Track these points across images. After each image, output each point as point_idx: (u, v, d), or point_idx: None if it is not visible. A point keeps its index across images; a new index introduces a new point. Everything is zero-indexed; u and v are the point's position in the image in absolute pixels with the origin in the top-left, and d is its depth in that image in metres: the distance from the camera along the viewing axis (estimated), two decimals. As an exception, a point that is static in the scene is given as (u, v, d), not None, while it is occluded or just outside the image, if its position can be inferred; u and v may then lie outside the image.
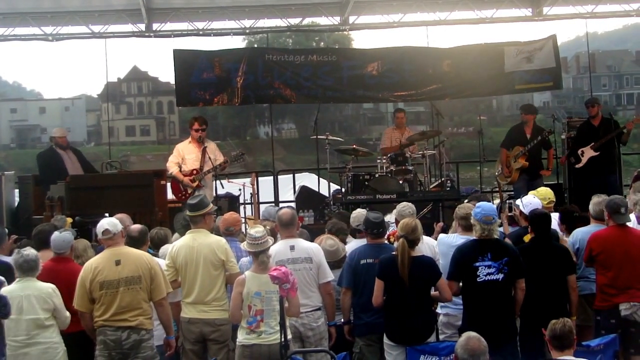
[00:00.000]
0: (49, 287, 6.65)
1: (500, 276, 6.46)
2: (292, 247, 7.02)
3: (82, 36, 14.33)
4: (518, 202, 7.90)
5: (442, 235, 7.59)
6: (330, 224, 8.44)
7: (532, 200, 7.88)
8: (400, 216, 7.60)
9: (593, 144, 11.73)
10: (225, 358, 7.03)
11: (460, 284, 6.69)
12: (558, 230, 7.88)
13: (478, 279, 6.47)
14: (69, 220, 8.75)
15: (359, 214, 8.00)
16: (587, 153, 11.78)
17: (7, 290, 6.67)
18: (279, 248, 7.01)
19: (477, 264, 6.48)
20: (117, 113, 79.39)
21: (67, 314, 6.67)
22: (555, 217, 8.12)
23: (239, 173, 14.47)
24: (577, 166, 11.92)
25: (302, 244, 7.13)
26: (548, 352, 5.67)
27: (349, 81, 13.70)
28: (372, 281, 6.75)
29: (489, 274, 6.46)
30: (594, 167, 11.72)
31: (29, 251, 6.67)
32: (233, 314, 6.55)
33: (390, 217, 8.27)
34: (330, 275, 7.07)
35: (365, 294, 6.96)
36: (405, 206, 7.88)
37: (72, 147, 11.96)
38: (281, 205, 11.56)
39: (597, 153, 11.72)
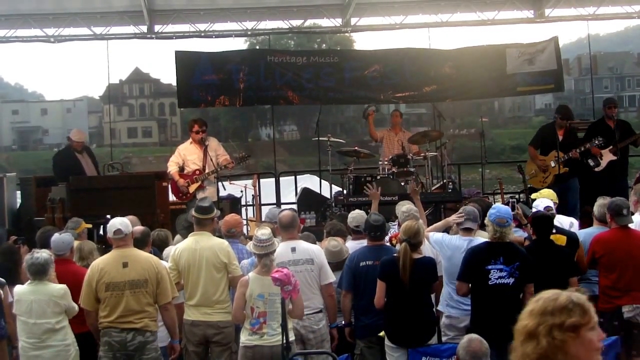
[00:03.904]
0: (60, 289, 6.66)
1: (511, 280, 6.47)
2: (293, 249, 7.01)
3: (84, 38, 14.31)
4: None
5: (445, 237, 7.51)
6: (328, 225, 8.44)
7: (543, 201, 7.87)
8: (403, 222, 7.53)
9: (611, 147, 11.42)
10: (228, 360, 7.04)
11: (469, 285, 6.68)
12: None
13: (489, 282, 6.48)
14: (85, 225, 8.71)
15: (357, 215, 7.98)
16: (607, 156, 11.43)
17: (17, 291, 6.71)
18: (280, 250, 6.98)
19: (489, 266, 6.49)
20: (119, 115, 79.50)
21: (76, 307, 6.67)
22: (566, 219, 8.15)
23: (241, 175, 14.49)
24: (596, 169, 11.52)
25: (303, 245, 7.13)
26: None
27: (350, 82, 13.71)
28: (372, 283, 6.75)
29: (500, 277, 6.47)
30: (609, 171, 11.43)
31: (40, 254, 6.66)
32: (235, 314, 6.56)
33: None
34: (331, 277, 7.06)
35: (365, 296, 6.96)
36: (409, 215, 7.73)
37: (87, 148, 12.02)
38: (283, 207, 11.55)
39: (616, 157, 11.41)
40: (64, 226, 8.57)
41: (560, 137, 11.53)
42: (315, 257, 7.04)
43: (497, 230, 6.55)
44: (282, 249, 7.02)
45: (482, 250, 6.65)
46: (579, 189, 11.50)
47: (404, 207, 7.97)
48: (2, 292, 7.19)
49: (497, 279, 6.47)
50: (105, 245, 8.40)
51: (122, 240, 6.69)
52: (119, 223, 6.73)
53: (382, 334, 6.79)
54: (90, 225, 8.81)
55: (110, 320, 6.54)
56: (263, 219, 9.80)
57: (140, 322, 6.56)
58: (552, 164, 11.44)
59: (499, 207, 6.74)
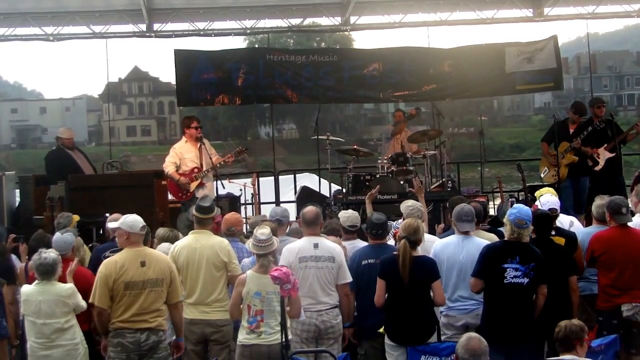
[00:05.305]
0: (68, 288, 6.64)
1: (525, 280, 6.48)
2: (315, 245, 7.00)
3: (83, 36, 14.32)
4: (537, 202, 7.87)
5: (441, 241, 7.42)
6: (325, 223, 8.43)
7: (549, 199, 7.82)
8: (408, 216, 7.54)
9: (606, 145, 11.43)
10: (227, 358, 7.04)
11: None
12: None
13: (505, 280, 6.49)
14: (76, 217, 8.71)
15: (350, 215, 7.96)
16: (603, 154, 11.41)
17: (25, 291, 6.70)
18: (302, 244, 7.03)
19: (506, 265, 6.50)
20: (118, 113, 79.53)
21: (83, 304, 6.65)
22: (566, 217, 8.13)
23: (240, 173, 14.51)
24: (595, 168, 11.47)
25: (326, 243, 7.11)
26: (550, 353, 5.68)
27: (350, 81, 13.71)
28: (374, 282, 6.75)
29: (515, 276, 6.48)
30: (607, 169, 11.44)
31: (48, 254, 6.64)
32: (231, 311, 6.56)
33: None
34: (349, 277, 7.04)
35: (367, 295, 6.97)
36: (414, 209, 7.76)
37: (77, 147, 11.98)
38: (282, 205, 11.52)
39: (613, 154, 11.44)
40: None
41: (571, 132, 11.63)
42: (336, 255, 7.03)
43: (514, 231, 6.56)
44: (305, 243, 7.04)
45: (498, 249, 6.66)
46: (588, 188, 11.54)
47: (409, 202, 7.97)
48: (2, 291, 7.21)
49: (512, 278, 6.48)
50: (101, 244, 8.41)
51: (142, 237, 6.67)
52: (142, 219, 6.69)
53: (381, 330, 6.79)
54: (78, 218, 8.80)
55: (123, 319, 6.46)
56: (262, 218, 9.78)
57: (155, 321, 6.53)
58: (561, 156, 11.45)
59: (520, 208, 6.71)
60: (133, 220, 6.64)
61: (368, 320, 7.04)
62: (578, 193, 11.44)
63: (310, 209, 7.27)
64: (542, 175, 11.96)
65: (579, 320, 5.64)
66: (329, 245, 7.11)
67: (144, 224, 6.68)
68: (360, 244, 7.66)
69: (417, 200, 8.41)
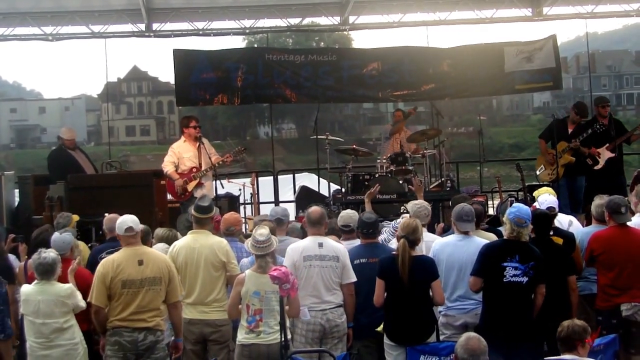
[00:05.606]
0: (67, 288, 6.63)
1: (524, 279, 6.48)
2: (320, 244, 7.00)
3: (82, 36, 14.33)
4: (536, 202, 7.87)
5: (441, 240, 7.41)
6: None
7: (547, 199, 7.81)
8: (415, 215, 7.54)
9: (608, 145, 11.45)
10: (226, 358, 7.04)
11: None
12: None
13: (504, 279, 6.49)
14: (75, 217, 8.71)
15: (346, 215, 7.96)
16: (604, 154, 11.43)
17: (24, 291, 6.70)
18: (307, 244, 7.03)
19: (505, 264, 6.50)
20: (117, 113, 79.49)
21: (82, 304, 6.64)
22: (565, 217, 8.13)
23: (239, 173, 14.52)
24: (595, 168, 11.49)
25: (330, 242, 7.12)
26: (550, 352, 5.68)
27: (349, 81, 13.70)
28: (367, 281, 6.77)
29: (514, 275, 6.48)
30: (607, 169, 11.45)
31: (47, 254, 6.63)
32: (230, 310, 6.56)
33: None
34: (353, 277, 7.02)
35: (361, 295, 6.99)
36: (422, 207, 7.78)
37: (78, 147, 11.97)
38: (281, 205, 11.53)
39: (614, 154, 11.46)
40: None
41: (570, 131, 11.64)
42: (340, 255, 7.02)
43: (514, 230, 6.56)
44: (309, 243, 7.04)
45: (498, 247, 6.67)
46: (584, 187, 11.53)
47: (416, 201, 8.03)
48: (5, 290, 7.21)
49: (511, 276, 6.48)
50: (100, 244, 8.40)
51: (134, 237, 6.66)
52: (130, 220, 6.67)
53: (379, 328, 6.79)
54: (78, 217, 8.80)
55: (121, 318, 6.47)
56: (263, 217, 9.78)
57: (153, 321, 6.54)
58: (559, 156, 11.45)
59: (519, 207, 6.72)
60: (121, 222, 6.68)
61: (361, 319, 7.04)
62: (574, 192, 11.46)
63: (315, 209, 7.27)
64: (537, 173, 11.99)
65: (582, 321, 5.63)
66: (334, 244, 7.12)
67: (131, 225, 6.63)
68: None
69: (417, 200, 8.42)
